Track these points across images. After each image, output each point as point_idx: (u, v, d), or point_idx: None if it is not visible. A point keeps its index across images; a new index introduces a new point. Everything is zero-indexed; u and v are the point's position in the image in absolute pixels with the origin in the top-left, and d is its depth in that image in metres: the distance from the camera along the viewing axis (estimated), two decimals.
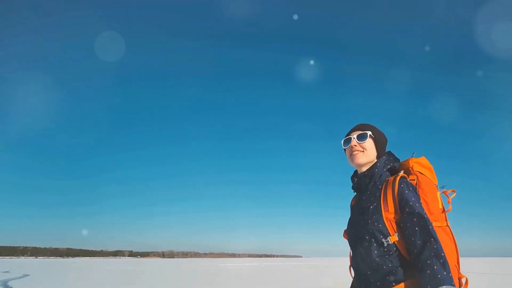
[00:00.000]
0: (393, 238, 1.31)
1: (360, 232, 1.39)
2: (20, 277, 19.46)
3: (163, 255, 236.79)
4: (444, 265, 1.20)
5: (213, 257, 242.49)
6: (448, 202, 1.44)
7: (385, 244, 1.31)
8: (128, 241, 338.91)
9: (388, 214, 1.33)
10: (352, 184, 1.54)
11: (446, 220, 1.41)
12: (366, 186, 1.47)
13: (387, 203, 1.35)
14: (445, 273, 1.17)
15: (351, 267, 1.50)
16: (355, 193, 1.58)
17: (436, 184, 1.47)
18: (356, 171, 1.55)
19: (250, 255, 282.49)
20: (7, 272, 26.30)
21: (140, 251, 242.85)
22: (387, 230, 1.32)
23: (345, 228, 1.56)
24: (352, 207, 1.56)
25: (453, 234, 1.40)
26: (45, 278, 19.64)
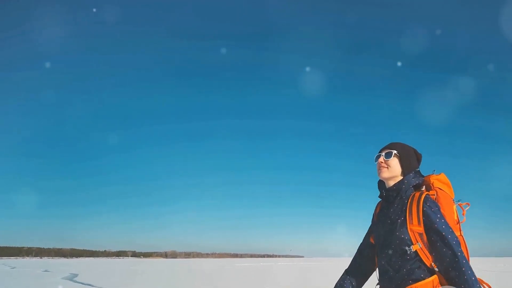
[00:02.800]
0: (415, 246, 1.55)
1: (387, 240, 1.64)
2: (72, 277, 19.84)
3: (165, 255, 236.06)
4: (473, 272, 1.49)
5: (215, 257, 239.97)
6: (463, 214, 1.67)
7: (408, 252, 1.56)
8: (131, 242, 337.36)
9: (412, 226, 1.57)
10: (379, 192, 1.80)
11: (460, 231, 1.63)
12: (393, 199, 1.70)
13: (411, 216, 1.58)
14: (473, 278, 1.47)
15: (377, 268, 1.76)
16: (380, 200, 1.84)
17: (453, 198, 1.69)
18: (383, 182, 1.79)
19: (252, 255, 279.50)
20: (46, 271, 26.63)
21: (143, 252, 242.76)
22: (411, 240, 1.56)
23: (366, 231, 1.87)
24: (378, 214, 1.79)
25: (466, 244, 1.62)
26: (97, 276, 19.86)
